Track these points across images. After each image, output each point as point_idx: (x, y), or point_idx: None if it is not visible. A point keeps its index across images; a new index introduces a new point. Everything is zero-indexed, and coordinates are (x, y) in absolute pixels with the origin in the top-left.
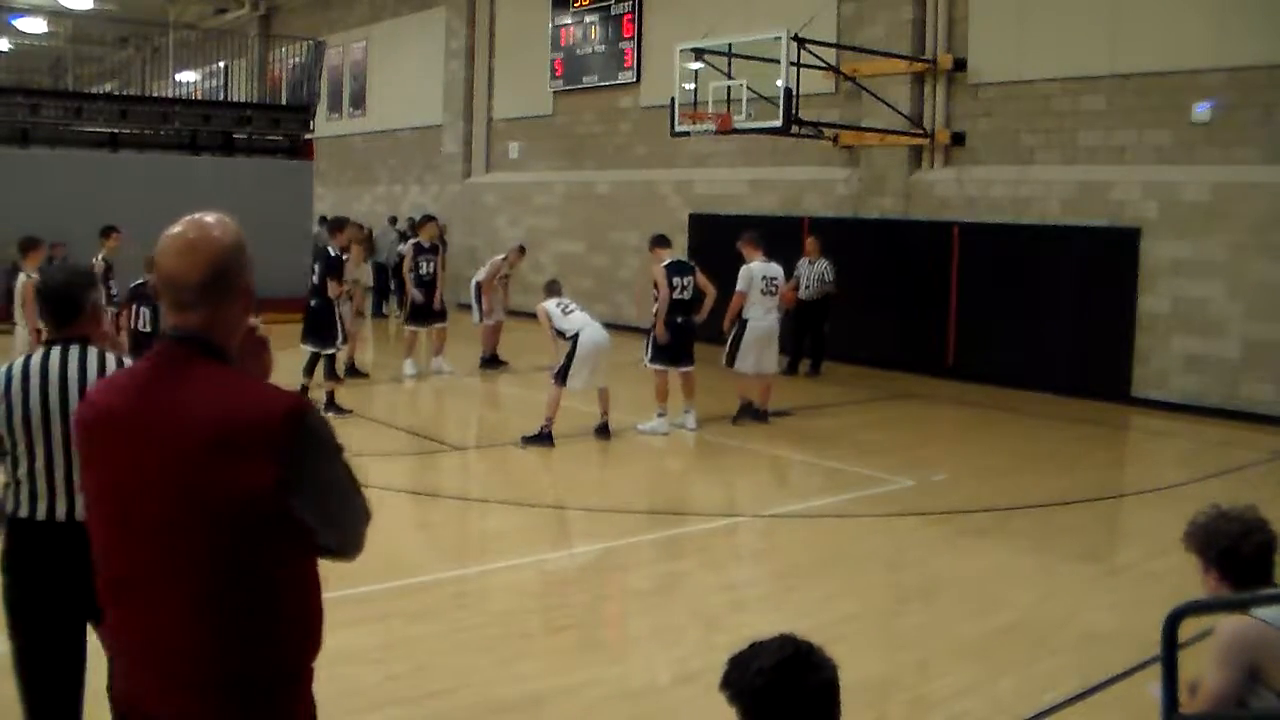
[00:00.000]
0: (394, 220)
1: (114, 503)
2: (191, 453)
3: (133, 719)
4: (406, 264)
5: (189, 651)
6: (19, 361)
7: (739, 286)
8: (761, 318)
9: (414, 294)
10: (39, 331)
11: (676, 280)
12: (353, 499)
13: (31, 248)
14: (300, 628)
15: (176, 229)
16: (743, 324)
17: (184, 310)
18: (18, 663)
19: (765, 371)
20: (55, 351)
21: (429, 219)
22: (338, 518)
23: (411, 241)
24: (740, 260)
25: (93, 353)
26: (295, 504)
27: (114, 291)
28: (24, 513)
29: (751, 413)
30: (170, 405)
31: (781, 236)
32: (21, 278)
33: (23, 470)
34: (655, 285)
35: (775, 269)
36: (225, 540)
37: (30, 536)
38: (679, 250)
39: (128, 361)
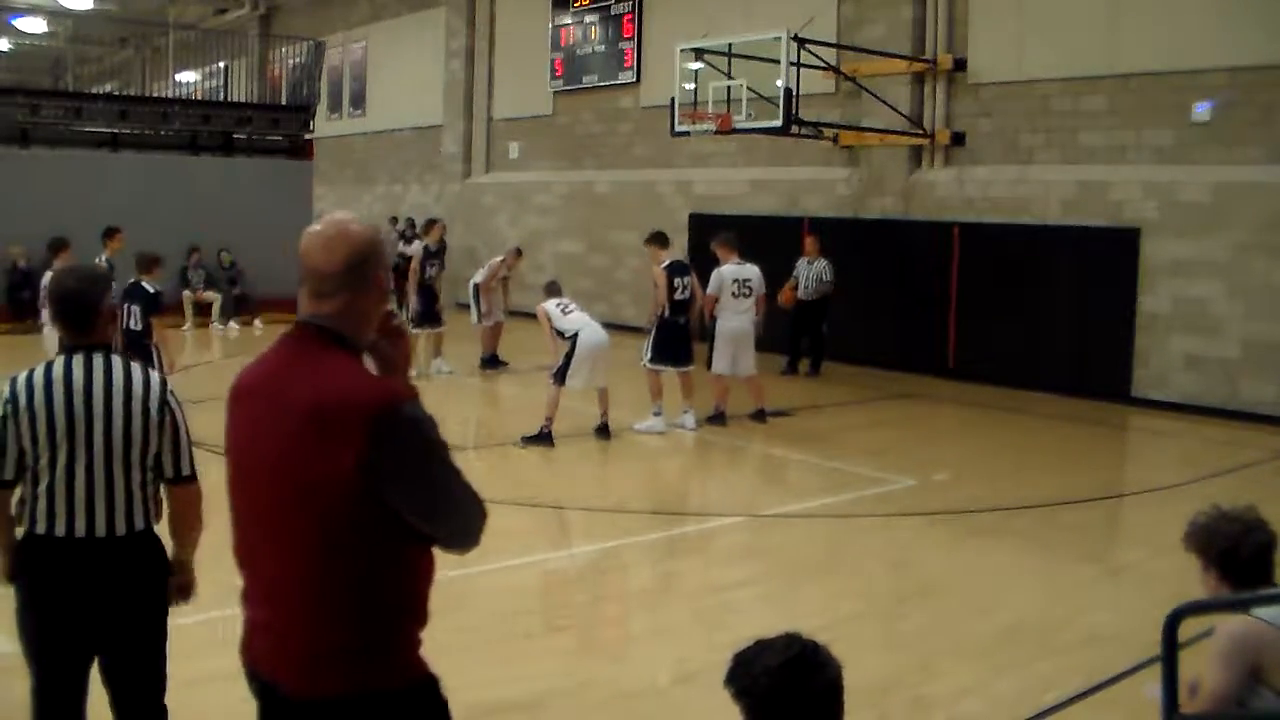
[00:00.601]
0: (394, 220)
1: (236, 473)
2: (287, 430)
3: (252, 669)
4: (415, 266)
5: (292, 620)
6: (39, 369)
7: (709, 290)
8: (729, 319)
9: (414, 298)
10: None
11: (677, 281)
12: (455, 495)
13: (62, 248)
14: (403, 606)
15: (318, 226)
16: (713, 326)
17: (321, 299)
18: (34, 688)
19: (742, 373)
20: (79, 360)
21: (434, 222)
22: (437, 512)
23: (422, 244)
24: (717, 261)
25: (118, 362)
26: (384, 492)
27: (114, 295)
28: (41, 529)
29: (720, 418)
30: (281, 385)
31: (781, 236)
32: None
33: (43, 485)
34: (655, 284)
35: (749, 271)
36: (315, 518)
37: (48, 554)
38: (679, 250)
39: (153, 371)
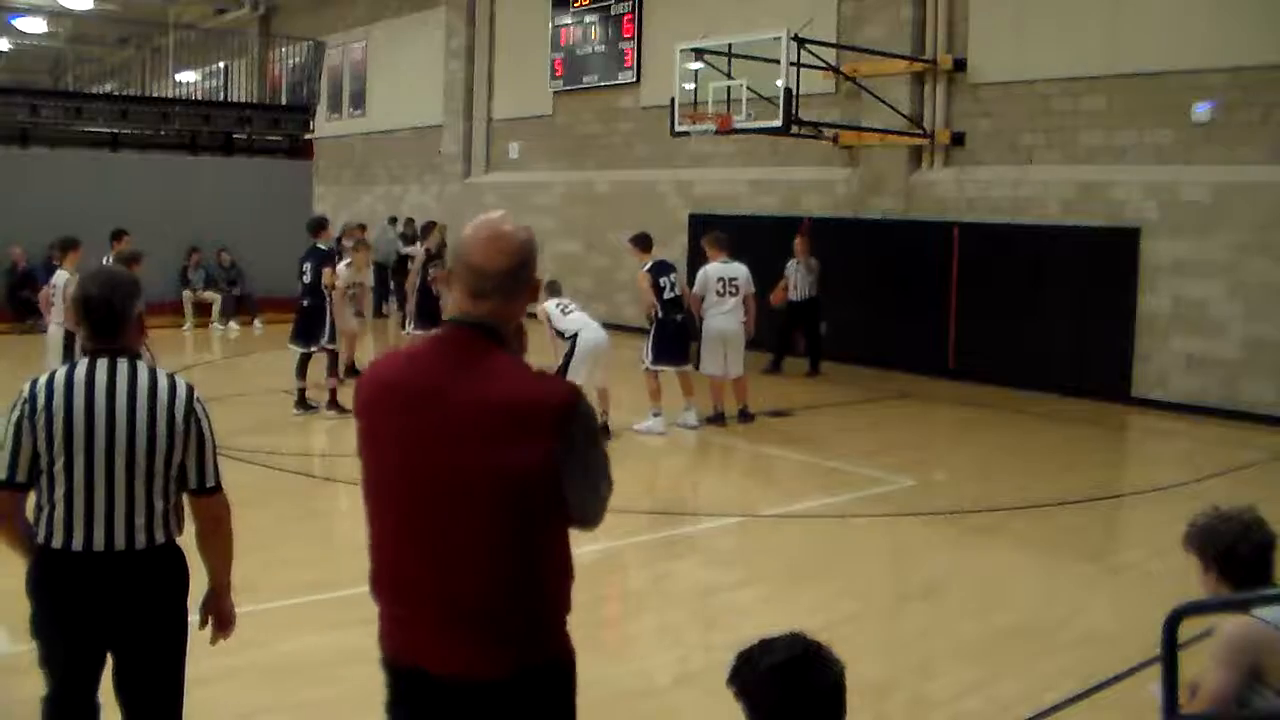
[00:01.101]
0: (393, 220)
1: (390, 470)
2: (479, 425)
3: (402, 661)
4: (415, 269)
5: (467, 595)
6: (61, 372)
7: (694, 289)
8: (716, 319)
9: (414, 301)
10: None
11: (663, 280)
12: (606, 477)
13: (70, 248)
14: (559, 581)
15: (481, 227)
16: (702, 325)
17: (479, 298)
18: (47, 699)
19: (732, 374)
20: (102, 364)
21: (433, 224)
22: (592, 492)
23: (423, 246)
24: (705, 260)
25: (143, 368)
26: (563, 477)
27: (141, 300)
28: (57, 542)
29: (720, 419)
30: (450, 383)
31: (782, 237)
32: (63, 276)
33: (59, 493)
34: (639, 288)
35: (735, 269)
36: (503, 503)
37: (63, 568)
38: (679, 251)
39: (179, 378)
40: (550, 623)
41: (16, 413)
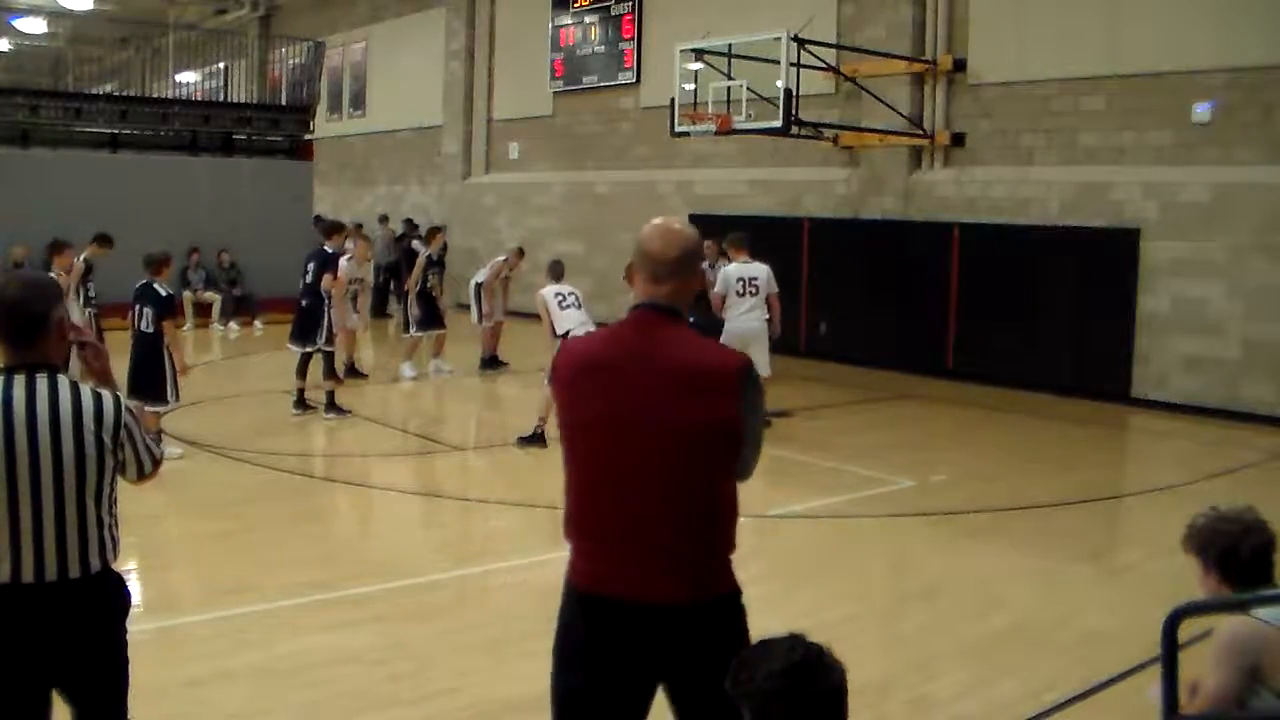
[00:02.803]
0: (384, 219)
1: (597, 428)
2: (673, 389)
3: (597, 591)
4: (416, 274)
5: (662, 535)
6: None
7: (716, 289)
8: (735, 319)
9: (416, 305)
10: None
11: None
12: (760, 437)
13: (58, 250)
14: (731, 522)
15: (656, 225)
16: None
17: (658, 282)
18: None
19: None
20: (19, 381)
21: (438, 230)
22: (753, 447)
23: (426, 252)
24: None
25: (64, 384)
26: (742, 432)
27: (93, 294)
28: None
29: None
30: (647, 354)
31: (782, 237)
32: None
33: None
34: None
35: (755, 269)
36: (692, 455)
37: None
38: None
39: (105, 392)
40: (724, 558)
41: None
